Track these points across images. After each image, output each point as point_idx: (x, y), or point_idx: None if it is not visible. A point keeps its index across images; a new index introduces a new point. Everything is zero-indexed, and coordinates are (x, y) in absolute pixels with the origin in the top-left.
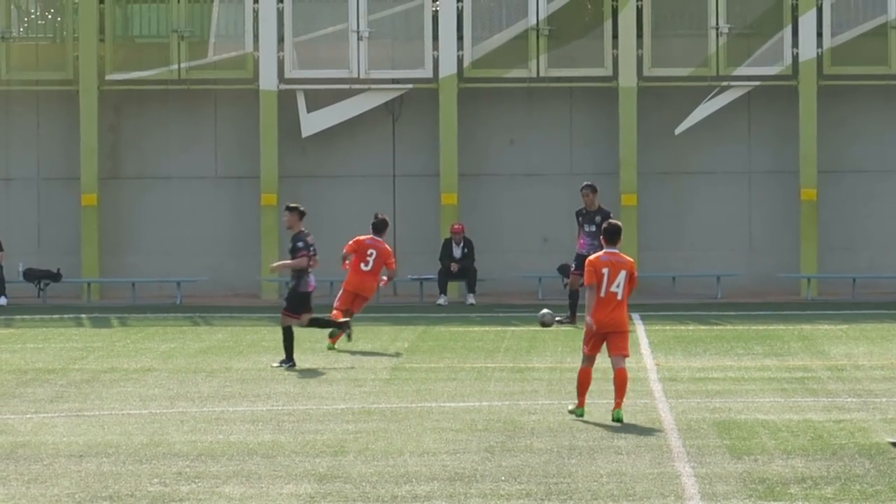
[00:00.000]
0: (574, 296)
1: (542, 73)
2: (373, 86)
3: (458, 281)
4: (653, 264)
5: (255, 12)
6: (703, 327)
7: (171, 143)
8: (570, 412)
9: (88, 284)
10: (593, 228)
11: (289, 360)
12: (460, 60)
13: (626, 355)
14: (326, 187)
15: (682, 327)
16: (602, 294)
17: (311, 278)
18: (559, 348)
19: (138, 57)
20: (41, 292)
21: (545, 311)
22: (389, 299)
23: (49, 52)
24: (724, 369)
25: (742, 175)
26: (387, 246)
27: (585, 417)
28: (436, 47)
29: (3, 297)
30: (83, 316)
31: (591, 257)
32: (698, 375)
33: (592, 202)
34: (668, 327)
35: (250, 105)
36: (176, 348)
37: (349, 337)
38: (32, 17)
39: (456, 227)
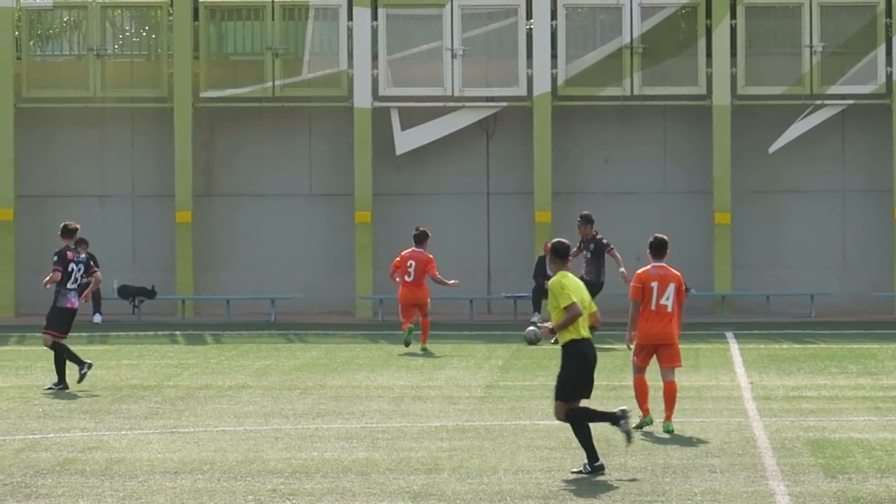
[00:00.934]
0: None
1: (635, 92)
2: (467, 104)
3: None
4: (747, 283)
5: (350, 30)
6: (797, 346)
7: (265, 161)
8: (639, 427)
9: (183, 301)
10: (589, 255)
11: (60, 383)
12: (554, 78)
13: (678, 366)
14: (420, 205)
15: (777, 346)
16: (653, 307)
17: (74, 296)
18: (654, 366)
19: (233, 74)
20: (136, 309)
21: (531, 328)
22: (483, 317)
23: (144, 69)
24: (818, 388)
25: (836, 194)
26: (426, 255)
27: (677, 436)
28: (530, 65)
29: (98, 315)
30: (178, 333)
31: (640, 271)
32: (792, 394)
33: (587, 233)
34: (762, 346)
35: (344, 122)
36: (270, 365)
37: (82, 377)
38: (127, 34)
39: (549, 245)
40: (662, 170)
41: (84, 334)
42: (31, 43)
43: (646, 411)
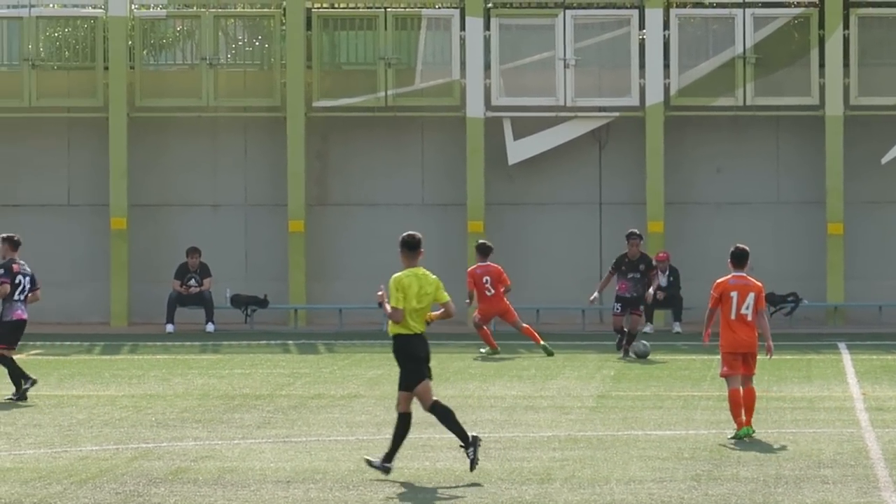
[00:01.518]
0: (621, 333)
1: (748, 102)
2: (579, 114)
3: (664, 309)
4: (859, 293)
5: (462, 40)
6: None
7: (378, 170)
8: (732, 438)
9: (295, 310)
10: (637, 275)
11: (25, 388)
12: (667, 88)
13: (753, 374)
14: (532, 215)
15: (889, 356)
16: (733, 316)
17: (20, 308)
18: (765, 377)
19: (345, 84)
20: (248, 318)
21: (641, 342)
22: (595, 327)
23: (256, 78)
24: None
25: None
26: (496, 266)
27: (789, 447)
28: (642, 75)
29: (210, 324)
30: (290, 342)
31: (720, 280)
32: None
33: (637, 251)
34: (874, 357)
35: (457, 132)
36: (382, 375)
37: (21, 395)
38: (240, 43)
39: (661, 254)
40: (775, 180)
41: (197, 343)
42: (145, 52)
43: (739, 424)
